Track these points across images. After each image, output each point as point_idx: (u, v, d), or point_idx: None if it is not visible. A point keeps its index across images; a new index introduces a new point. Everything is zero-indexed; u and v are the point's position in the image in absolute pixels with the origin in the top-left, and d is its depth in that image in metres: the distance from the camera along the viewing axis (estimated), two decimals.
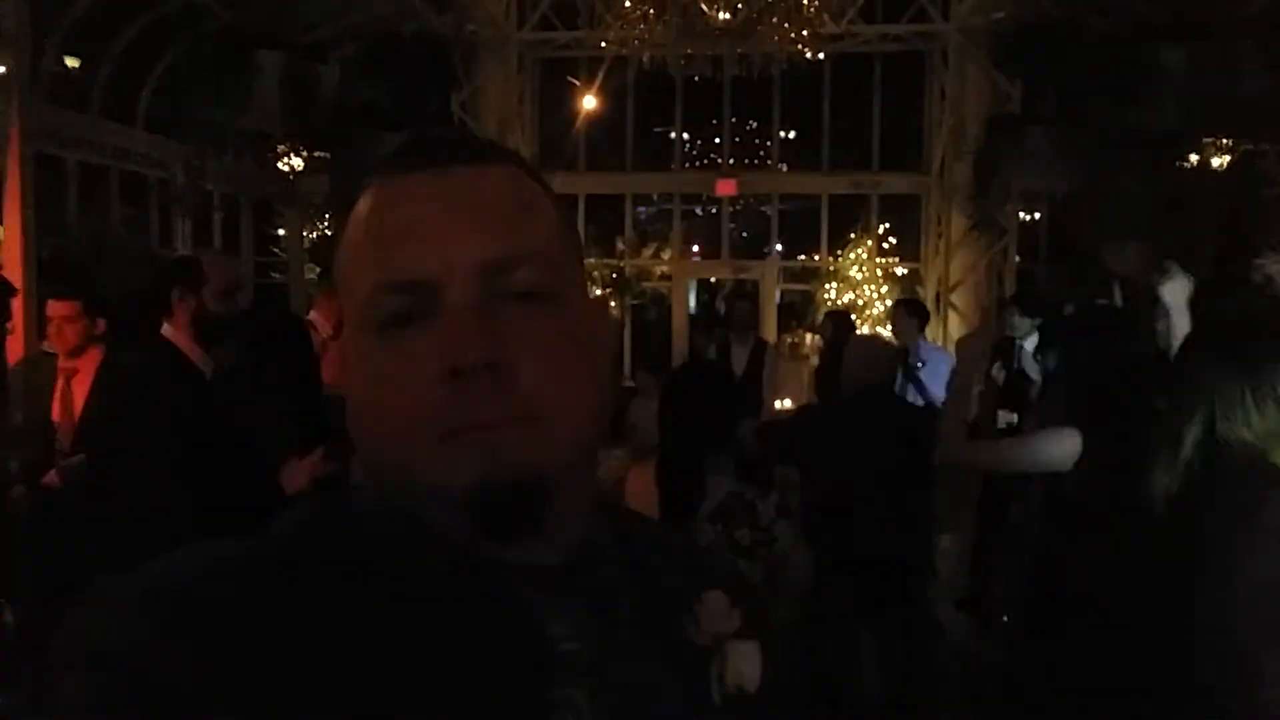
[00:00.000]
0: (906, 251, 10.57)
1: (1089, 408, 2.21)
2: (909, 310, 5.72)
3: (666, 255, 11.22)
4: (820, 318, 7.84)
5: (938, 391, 5.09)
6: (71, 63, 7.62)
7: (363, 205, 0.58)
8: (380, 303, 0.54)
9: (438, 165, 0.57)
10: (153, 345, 2.52)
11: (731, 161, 11.12)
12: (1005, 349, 5.65)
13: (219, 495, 2.31)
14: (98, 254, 6.82)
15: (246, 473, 2.50)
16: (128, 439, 2.52)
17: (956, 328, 9.06)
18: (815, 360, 6.96)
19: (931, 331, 9.03)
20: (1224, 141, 6.14)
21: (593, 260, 9.84)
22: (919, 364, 4.94)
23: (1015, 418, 4.98)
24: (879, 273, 10.10)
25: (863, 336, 3.78)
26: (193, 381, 2.47)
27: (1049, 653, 2.24)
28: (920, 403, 4.24)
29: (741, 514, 2.00)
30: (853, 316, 8.11)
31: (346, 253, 0.59)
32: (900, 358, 3.35)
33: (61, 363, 3.40)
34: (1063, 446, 2.22)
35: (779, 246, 11.19)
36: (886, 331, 6.66)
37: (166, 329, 2.51)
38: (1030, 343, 5.43)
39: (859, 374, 3.13)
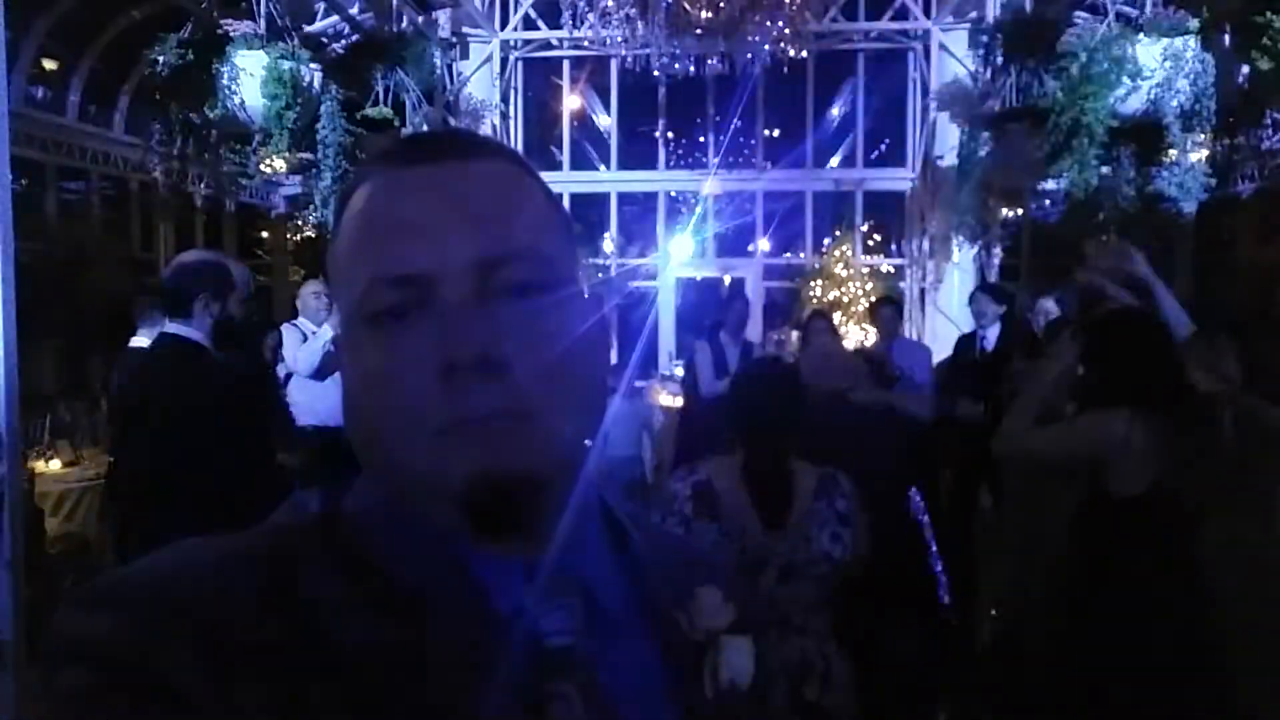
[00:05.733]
0: (890, 249, 10.62)
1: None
2: (888, 305, 5.78)
3: (652, 254, 11.21)
4: (805, 315, 7.86)
5: (918, 384, 5.05)
6: (49, 65, 7.54)
7: (357, 200, 0.58)
8: (375, 297, 0.55)
9: (433, 160, 0.57)
10: (164, 338, 2.56)
11: (716, 160, 11.13)
12: (968, 339, 5.67)
13: (232, 488, 2.36)
14: (78, 259, 6.76)
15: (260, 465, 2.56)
16: (154, 428, 2.57)
17: (941, 324, 9.11)
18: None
19: (915, 328, 9.11)
20: (1202, 136, 6.21)
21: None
22: (896, 373, 4.67)
23: (981, 408, 5.00)
24: (863, 270, 10.14)
25: (821, 347, 3.92)
26: (217, 371, 2.51)
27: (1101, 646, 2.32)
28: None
29: (836, 488, 2.23)
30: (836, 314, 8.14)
31: (341, 248, 0.59)
32: (863, 366, 3.46)
33: None
34: (1112, 429, 2.35)
35: (764, 245, 11.21)
36: (871, 329, 6.68)
37: (174, 327, 2.55)
38: (994, 331, 5.47)
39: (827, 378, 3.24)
